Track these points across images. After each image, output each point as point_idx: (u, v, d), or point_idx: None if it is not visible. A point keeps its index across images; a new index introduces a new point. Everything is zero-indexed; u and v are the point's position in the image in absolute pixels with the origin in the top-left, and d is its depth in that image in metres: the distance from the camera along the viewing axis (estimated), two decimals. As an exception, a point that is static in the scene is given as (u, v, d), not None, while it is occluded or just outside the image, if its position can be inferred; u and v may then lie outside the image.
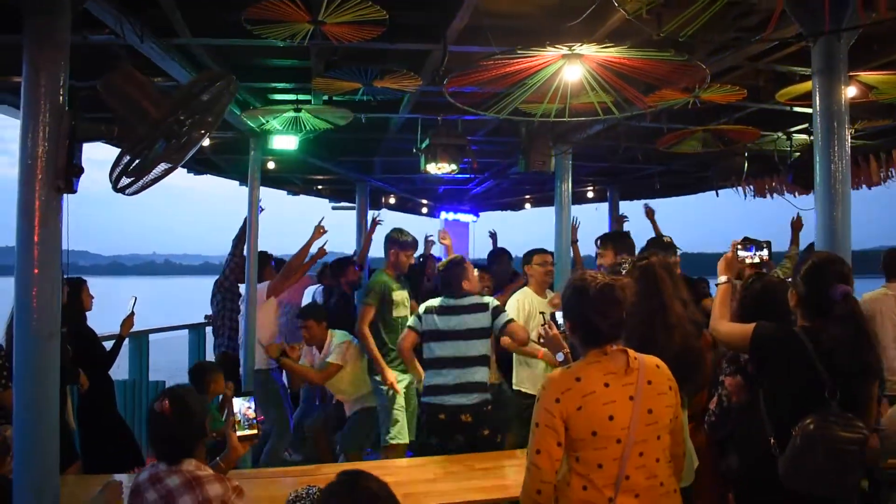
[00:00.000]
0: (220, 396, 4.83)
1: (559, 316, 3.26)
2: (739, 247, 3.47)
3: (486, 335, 4.67)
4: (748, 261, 3.48)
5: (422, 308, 4.80)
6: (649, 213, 7.43)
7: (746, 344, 2.94)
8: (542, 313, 4.27)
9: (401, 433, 5.26)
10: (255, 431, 3.12)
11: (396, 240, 5.50)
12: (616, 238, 5.08)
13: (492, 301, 4.74)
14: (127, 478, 3.46)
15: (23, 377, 2.70)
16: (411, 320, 4.86)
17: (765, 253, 3.50)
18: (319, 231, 6.30)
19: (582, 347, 2.61)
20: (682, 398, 2.74)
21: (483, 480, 3.90)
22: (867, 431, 2.68)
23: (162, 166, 2.81)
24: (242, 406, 3.14)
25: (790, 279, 3.06)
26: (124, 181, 2.79)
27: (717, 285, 3.37)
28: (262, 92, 5.64)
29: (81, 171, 2.75)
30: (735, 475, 3.28)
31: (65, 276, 4.98)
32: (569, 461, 2.52)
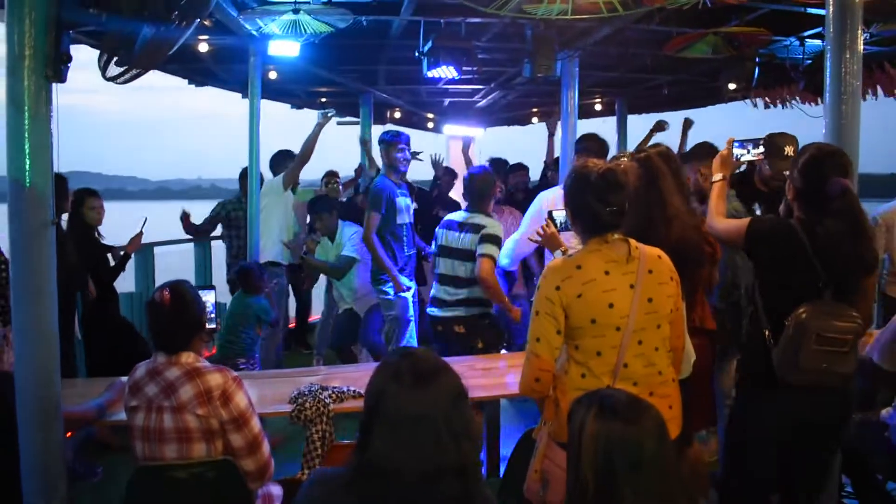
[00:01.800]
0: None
1: (557, 214, 3.23)
2: (736, 143, 3.43)
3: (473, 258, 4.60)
4: (743, 158, 3.44)
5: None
6: (687, 124, 7.27)
7: (742, 239, 2.92)
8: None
9: (411, 341, 5.34)
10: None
11: (382, 138, 5.52)
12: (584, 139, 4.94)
13: (489, 226, 4.60)
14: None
15: (19, 267, 2.71)
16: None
17: (760, 150, 3.46)
18: (327, 117, 6.38)
19: (583, 235, 2.59)
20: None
21: (483, 379, 3.94)
22: (861, 321, 2.68)
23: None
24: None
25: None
26: (114, 70, 2.72)
27: (712, 182, 3.33)
28: (259, -7, 5.46)
29: (70, 58, 2.70)
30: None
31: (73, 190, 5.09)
32: (568, 349, 2.52)
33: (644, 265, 2.52)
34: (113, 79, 2.76)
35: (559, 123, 6.82)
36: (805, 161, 2.88)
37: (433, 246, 4.90)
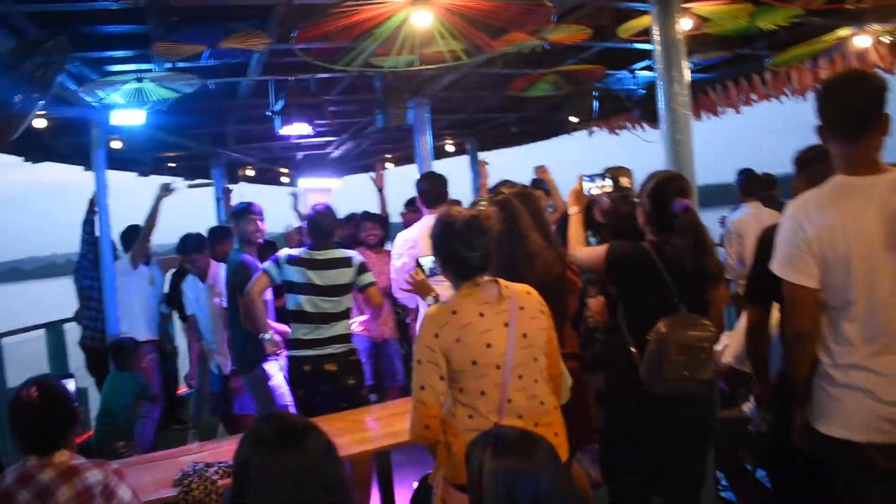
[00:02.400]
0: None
1: (424, 261, 3.30)
2: (585, 178, 3.65)
3: (349, 291, 4.63)
4: (593, 191, 3.66)
5: (282, 256, 4.60)
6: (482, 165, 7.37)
7: (602, 264, 3.11)
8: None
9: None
10: None
11: (233, 211, 5.36)
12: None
13: (356, 256, 4.67)
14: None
15: None
16: (268, 265, 4.62)
17: (607, 183, 3.67)
18: (167, 190, 6.22)
19: (455, 281, 2.66)
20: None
21: (373, 431, 3.92)
22: (713, 329, 2.89)
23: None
24: None
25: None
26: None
27: (569, 216, 3.52)
28: (99, 62, 5.28)
29: None
30: (602, 392, 3.49)
31: None
32: (453, 394, 2.56)
33: (515, 303, 2.61)
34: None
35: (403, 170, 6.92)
36: (651, 188, 3.11)
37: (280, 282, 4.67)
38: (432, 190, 4.68)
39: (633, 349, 2.98)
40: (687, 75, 3.95)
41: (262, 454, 1.69)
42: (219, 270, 5.63)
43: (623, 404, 3.15)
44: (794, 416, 2.61)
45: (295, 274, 4.52)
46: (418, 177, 4.89)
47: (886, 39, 5.80)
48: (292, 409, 4.92)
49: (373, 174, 7.18)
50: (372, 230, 6.30)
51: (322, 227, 4.62)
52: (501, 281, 2.65)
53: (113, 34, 4.88)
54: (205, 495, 3.25)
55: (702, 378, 2.93)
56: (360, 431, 3.95)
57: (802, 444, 2.59)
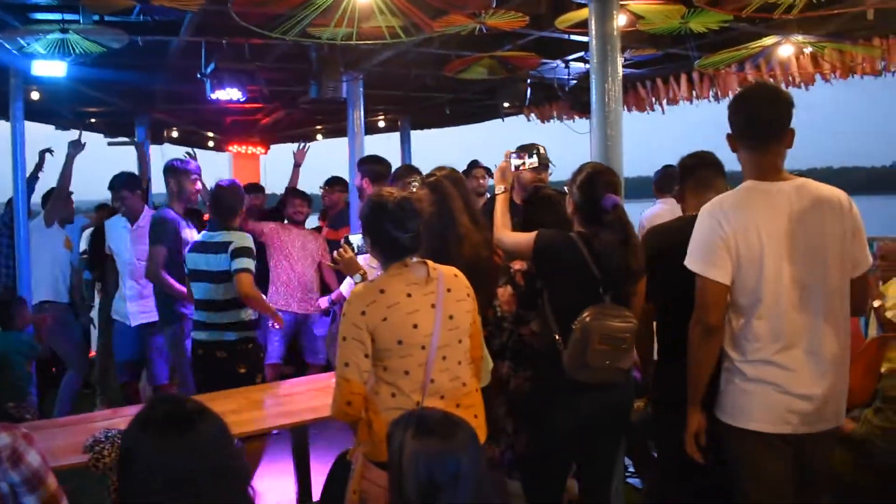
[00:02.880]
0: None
1: (354, 238, 3.30)
2: (513, 155, 3.68)
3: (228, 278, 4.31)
4: (524, 167, 3.71)
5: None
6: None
7: (530, 250, 3.17)
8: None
9: None
10: None
11: (171, 166, 5.04)
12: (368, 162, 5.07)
13: (237, 240, 4.35)
14: None
15: None
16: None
17: (533, 160, 3.72)
18: (78, 145, 6.02)
19: (384, 261, 2.68)
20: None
21: (287, 406, 3.91)
22: (635, 320, 3.00)
23: None
24: None
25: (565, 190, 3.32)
26: None
27: (495, 195, 3.56)
28: (21, 10, 5.06)
29: None
30: (509, 380, 3.59)
31: None
32: (377, 372, 2.59)
33: (443, 285, 2.65)
34: None
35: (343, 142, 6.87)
36: (582, 179, 3.17)
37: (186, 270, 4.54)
38: (381, 170, 4.66)
39: (557, 336, 3.04)
40: (620, 71, 4.03)
41: (150, 437, 1.62)
42: (150, 216, 5.26)
43: (544, 391, 3.22)
44: (689, 419, 2.74)
45: (189, 260, 4.47)
46: (361, 158, 4.86)
47: (808, 51, 6.05)
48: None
49: (296, 147, 7.12)
50: (300, 206, 6.24)
51: (223, 204, 4.44)
52: (430, 262, 2.69)
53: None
54: (116, 462, 3.20)
55: (622, 367, 3.03)
56: (259, 409, 3.92)
57: (693, 450, 2.74)
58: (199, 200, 5.28)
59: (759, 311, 2.58)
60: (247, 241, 4.36)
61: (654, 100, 7.91)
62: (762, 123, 2.63)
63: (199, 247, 4.40)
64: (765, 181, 2.62)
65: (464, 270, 2.85)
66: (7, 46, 5.22)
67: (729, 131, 2.73)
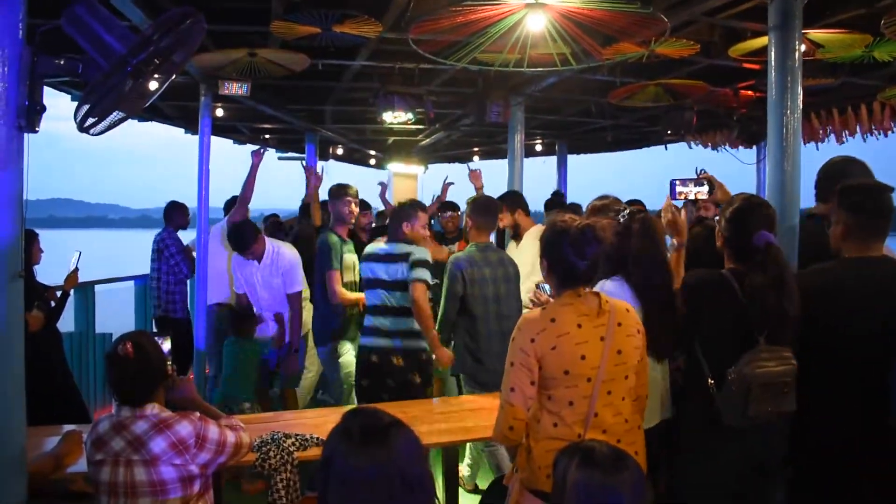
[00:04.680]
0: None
1: (545, 286, 3.30)
2: (677, 182, 3.54)
3: (405, 287, 4.56)
4: (688, 196, 3.58)
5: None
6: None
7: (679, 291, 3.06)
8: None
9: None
10: None
11: (334, 192, 5.38)
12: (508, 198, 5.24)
13: (417, 252, 4.56)
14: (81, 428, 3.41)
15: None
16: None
17: (703, 188, 3.58)
18: (259, 155, 6.29)
19: (558, 288, 2.67)
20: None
21: (444, 423, 3.98)
22: (795, 360, 2.81)
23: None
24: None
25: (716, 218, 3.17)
26: (89, 120, 2.73)
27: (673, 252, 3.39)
28: (215, 35, 5.48)
29: (44, 109, 2.68)
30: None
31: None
32: (540, 399, 2.60)
33: (614, 318, 2.62)
34: (87, 129, 2.76)
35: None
36: (732, 212, 3.02)
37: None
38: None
39: (710, 380, 2.88)
40: (800, 102, 3.86)
41: (347, 449, 1.71)
42: (276, 249, 5.63)
43: (695, 437, 3.06)
44: None
45: (364, 269, 4.70)
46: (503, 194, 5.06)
47: None
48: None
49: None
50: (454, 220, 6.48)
51: (393, 219, 4.70)
52: (602, 295, 2.67)
53: (233, 9, 5.05)
54: (280, 464, 3.37)
55: (786, 410, 2.86)
56: (434, 423, 4.00)
57: None
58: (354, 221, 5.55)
59: None
60: (425, 254, 4.58)
61: (828, 130, 7.52)
62: None
63: (378, 257, 4.65)
64: None
65: (668, 301, 2.83)
66: (201, 68, 5.66)
67: None
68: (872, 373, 2.72)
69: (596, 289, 2.77)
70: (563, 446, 2.05)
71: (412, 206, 4.71)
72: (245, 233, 5.51)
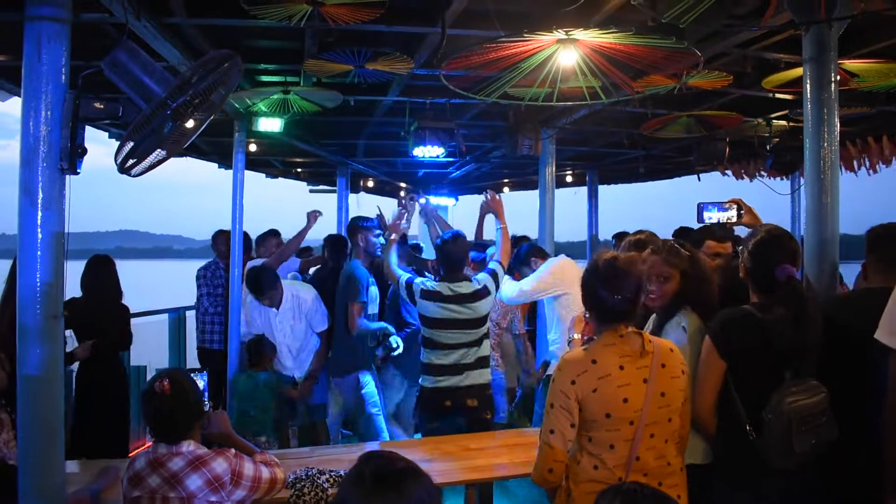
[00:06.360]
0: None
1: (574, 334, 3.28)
2: (705, 206, 3.55)
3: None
4: (713, 219, 3.56)
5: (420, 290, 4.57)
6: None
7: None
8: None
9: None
10: None
11: (359, 225, 5.47)
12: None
13: (487, 281, 4.58)
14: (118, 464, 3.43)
15: (27, 360, 2.69)
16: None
17: (731, 213, 3.55)
18: (314, 216, 6.46)
19: (598, 326, 2.64)
20: None
21: (478, 460, 3.94)
22: (824, 388, 2.76)
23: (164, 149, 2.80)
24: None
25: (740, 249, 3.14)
26: (129, 162, 2.77)
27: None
28: (250, 74, 5.58)
29: (85, 151, 2.74)
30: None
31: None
32: (580, 441, 2.56)
33: (658, 359, 2.58)
34: (127, 170, 2.81)
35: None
36: (755, 243, 3.00)
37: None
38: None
39: (748, 426, 2.80)
40: (837, 134, 3.81)
41: (358, 494, 1.68)
42: (294, 294, 5.76)
43: (734, 480, 2.94)
44: None
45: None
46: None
47: None
48: (379, 418, 5.21)
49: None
50: None
51: (453, 257, 4.62)
52: (646, 335, 2.63)
53: (268, 48, 5.14)
54: (314, 501, 3.34)
55: (829, 440, 2.78)
56: (468, 459, 3.96)
57: None
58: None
59: None
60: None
61: (865, 159, 7.43)
62: None
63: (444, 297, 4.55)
64: None
65: None
66: (236, 105, 5.75)
67: None
68: None
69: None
70: (603, 489, 2.02)
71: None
72: (261, 278, 5.60)
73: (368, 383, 5.31)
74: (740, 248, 3.17)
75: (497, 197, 5.01)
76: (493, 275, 4.60)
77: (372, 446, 4.53)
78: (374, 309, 5.51)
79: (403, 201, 5.10)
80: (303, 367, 5.77)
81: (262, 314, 5.77)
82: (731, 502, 2.94)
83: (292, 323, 5.70)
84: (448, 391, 4.49)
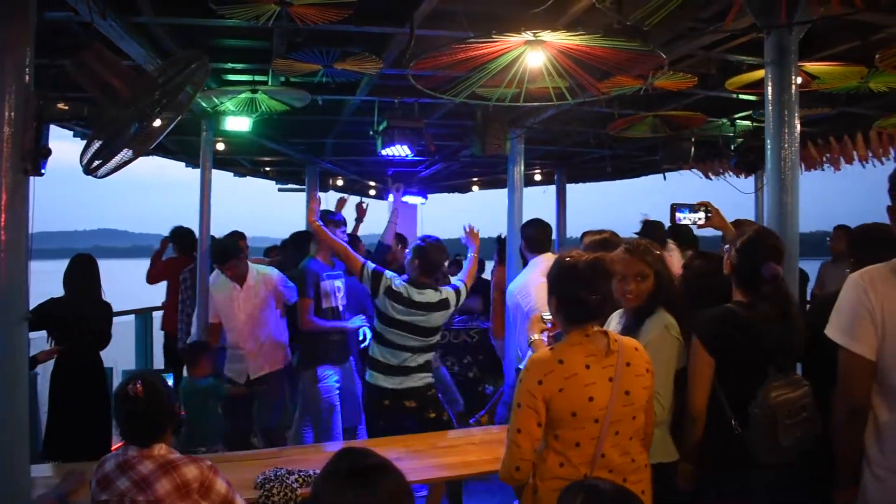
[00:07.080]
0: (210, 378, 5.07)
1: (546, 316, 3.30)
2: (679, 209, 3.61)
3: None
4: (684, 221, 3.62)
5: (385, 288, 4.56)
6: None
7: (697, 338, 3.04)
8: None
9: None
10: None
11: (326, 218, 5.33)
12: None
13: (450, 295, 4.67)
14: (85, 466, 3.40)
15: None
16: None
17: (700, 215, 3.61)
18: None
19: (566, 326, 2.66)
20: None
21: (447, 458, 3.96)
22: (807, 382, 2.84)
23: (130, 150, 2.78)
24: None
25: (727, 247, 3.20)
26: (95, 163, 2.75)
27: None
28: (217, 73, 5.54)
29: (49, 152, 2.70)
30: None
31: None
32: (547, 439, 2.59)
33: (623, 358, 2.61)
34: (93, 171, 2.78)
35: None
36: (743, 242, 3.05)
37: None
38: (540, 236, 4.85)
39: (733, 421, 2.88)
40: (797, 135, 3.89)
41: (333, 490, 1.70)
42: (258, 271, 5.68)
43: (719, 476, 3.02)
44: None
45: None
46: (525, 223, 5.12)
47: None
48: (334, 413, 5.24)
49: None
50: None
51: (430, 261, 4.62)
52: (611, 334, 2.66)
53: (236, 48, 5.11)
54: (284, 502, 3.34)
55: (815, 432, 2.84)
56: (437, 457, 3.99)
57: None
58: None
59: None
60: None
61: (826, 158, 7.58)
62: None
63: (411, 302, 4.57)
64: None
65: None
66: (203, 105, 5.71)
67: (890, 203, 2.55)
68: None
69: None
70: (567, 485, 2.05)
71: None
72: (228, 247, 5.56)
73: (328, 377, 5.29)
74: (726, 246, 3.22)
75: (475, 231, 5.05)
76: (457, 292, 4.71)
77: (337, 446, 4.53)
78: (336, 302, 5.42)
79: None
80: (266, 356, 5.60)
81: (225, 293, 5.62)
82: (720, 496, 3.00)
83: (256, 301, 5.55)
84: (386, 392, 4.56)
